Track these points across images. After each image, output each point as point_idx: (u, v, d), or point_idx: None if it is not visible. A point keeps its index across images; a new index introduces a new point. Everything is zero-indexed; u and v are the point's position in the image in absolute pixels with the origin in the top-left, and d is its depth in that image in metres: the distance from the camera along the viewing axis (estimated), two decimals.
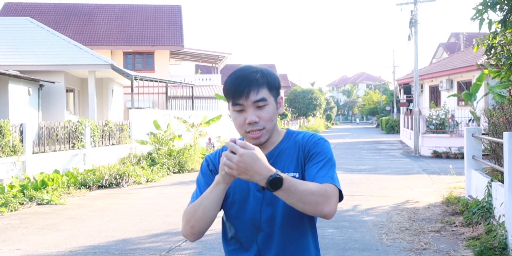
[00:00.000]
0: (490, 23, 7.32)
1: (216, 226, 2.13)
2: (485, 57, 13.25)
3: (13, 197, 8.99)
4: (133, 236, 6.76)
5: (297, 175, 1.89)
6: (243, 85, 1.82)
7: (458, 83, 23.17)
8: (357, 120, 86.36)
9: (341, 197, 1.85)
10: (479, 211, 6.85)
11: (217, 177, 1.82)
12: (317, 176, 1.83)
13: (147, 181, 12.16)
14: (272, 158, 1.93)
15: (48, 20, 28.18)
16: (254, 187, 1.91)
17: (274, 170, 1.68)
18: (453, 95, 19.09)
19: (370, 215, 7.97)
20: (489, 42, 7.93)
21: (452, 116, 20.66)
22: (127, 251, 5.99)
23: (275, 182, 1.66)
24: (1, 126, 9.86)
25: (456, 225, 6.99)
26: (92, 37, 27.69)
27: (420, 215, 7.86)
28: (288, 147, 1.95)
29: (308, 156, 1.90)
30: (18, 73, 13.92)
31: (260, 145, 1.87)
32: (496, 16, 7.65)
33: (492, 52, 8.04)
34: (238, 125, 1.87)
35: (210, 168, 1.99)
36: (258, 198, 1.90)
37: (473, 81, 17.05)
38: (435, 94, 27.13)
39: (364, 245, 6.18)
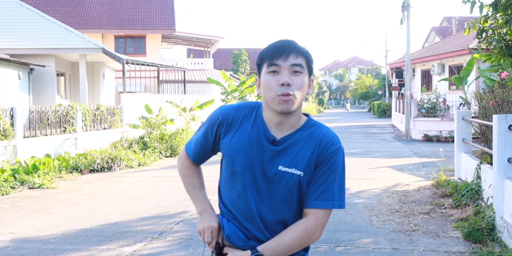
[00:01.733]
0: (482, 6, 7.31)
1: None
2: (477, 41, 13.26)
3: (4, 181, 8.97)
4: (125, 219, 6.79)
5: (302, 175, 1.89)
6: (285, 47, 1.85)
7: (450, 67, 23.22)
8: (347, 105, 65.42)
9: (342, 206, 1.92)
10: (468, 193, 6.92)
11: (204, 215, 2.02)
12: (318, 199, 1.88)
13: (139, 165, 12.17)
14: (284, 144, 1.91)
15: (37, 3, 27.84)
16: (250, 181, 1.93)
17: (249, 252, 1.87)
18: (444, 79, 19.14)
19: (361, 197, 8.04)
20: (480, 25, 7.92)
21: (444, 100, 20.73)
22: (119, 234, 6.03)
23: None
24: None
25: (445, 207, 7.07)
26: (82, 20, 27.42)
27: (410, 198, 7.93)
28: (304, 138, 1.92)
29: (319, 165, 1.90)
30: (7, 57, 13.79)
31: (286, 114, 1.87)
32: None
33: (483, 35, 8.03)
34: (269, 87, 1.85)
35: (219, 120, 1.99)
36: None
37: (465, 65, 17.09)
38: (427, 78, 27.18)
39: (355, 227, 6.25)
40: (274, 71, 1.84)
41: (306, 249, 2.01)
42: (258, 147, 1.91)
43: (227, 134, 1.97)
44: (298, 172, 1.88)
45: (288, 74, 1.83)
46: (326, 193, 1.88)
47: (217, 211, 2.08)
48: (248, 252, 1.87)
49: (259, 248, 1.87)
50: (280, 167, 1.89)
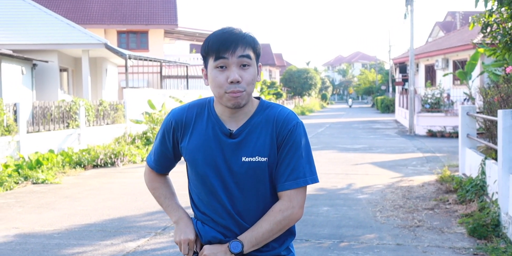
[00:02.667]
0: (486, 0, 7.27)
1: None
2: (481, 35, 13.18)
3: (8, 177, 8.98)
4: (128, 214, 6.79)
5: (266, 160, 1.85)
6: (231, 40, 1.78)
7: (454, 62, 23.12)
8: (350, 101, 60.68)
9: (314, 180, 1.89)
10: (472, 189, 6.90)
11: (180, 225, 1.97)
12: (288, 180, 1.85)
13: (142, 160, 12.16)
14: (241, 135, 1.87)
15: None
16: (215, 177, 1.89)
17: (226, 246, 1.85)
18: (448, 74, 19.02)
19: (365, 193, 8.02)
20: (485, 19, 7.86)
21: (448, 95, 20.65)
22: (123, 229, 6.02)
23: (237, 246, 1.84)
24: None
25: (450, 203, 7.04)
26: (85, 15, 27.38)
27: (414, 193, 7.91)
28: (261, 122, 1.88)
29: (281, 145, 1.86)
30: (10, 52, 13.77)
31: (237, 108, 1.84)
32: None
33: (488, 30, 7.98)
34: (218, 84, 1.79)
35: (173, 125, 1.95)
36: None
37: (469, 60, 17.01)
38: (430, 73, 27.08)
39: (359, 222, 6.23)
40: (221, 66, 1.79)
41: (292, 233, 1.98)
42: (217, 144, 1.87)
43: (184, 137, 1.93)
44: (263, 159, 1.85)
45: (237, 69, 1.78)
46: (296, 172, 1.85)
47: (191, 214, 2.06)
48: (226, 246, 1.86)
49: (238, 237, 1.86)
50: (243, 159, 1.85)
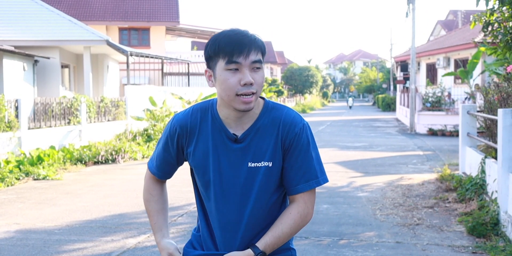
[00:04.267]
0: None
1: None
2: (483, 34, 13.18)
3: (9, 172, 9.00)
4: (129, 211, 6.82)
5: (270, 165, 1.84)
6: (245, 43, 1.75)
7: (455, 61, 23.11)
8: (350, 100, 50.80)
9: (325, 180, 1.91)
10: (472, 188, 6.92)
11: (162, 245, 2.05)
12: (301, 183, 1.85)
13: (143, 157, 12.20)
14: (247, 139, 1.85)
15: None
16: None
17: (250, 251, 1.82)
18: (449, 74, 18.97)
19: (365, 191, 8.04)
20: (486, 18, 7.87)
21: (449, 94, 20.66)
22: (123, 226, 6.05)
23: None
24: None
25: (450, 201, 7.06)
26: (87, 12, 27.36)
27: (414, 192, 7.93)
28: (266, 126, 1.86)
29: (289, 149, 1.85)
30: (12, 49, 13.79)
31: (246, 111, 1.81)
32: None
33: (489, 29, 7.98)
34: (229, 87, 1.75)
35: (177, 131, 1.91)
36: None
37: (470, 58, 17.00)
38: (432, 72, 27.07)
39: (358, 220, 6.25)
40: (234, 69, 1.75)
41: None
42: (223, 150, 1.85)
43: (190, 144, 1.90)
44: (267, 163, 1.84)
45: (249, 72, 1.76)
46: (308, 174, 1.85)
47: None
48: (250, 251, 1.82)
49: (260, 245, 1.83)
50: (249, 164, 1.84)
